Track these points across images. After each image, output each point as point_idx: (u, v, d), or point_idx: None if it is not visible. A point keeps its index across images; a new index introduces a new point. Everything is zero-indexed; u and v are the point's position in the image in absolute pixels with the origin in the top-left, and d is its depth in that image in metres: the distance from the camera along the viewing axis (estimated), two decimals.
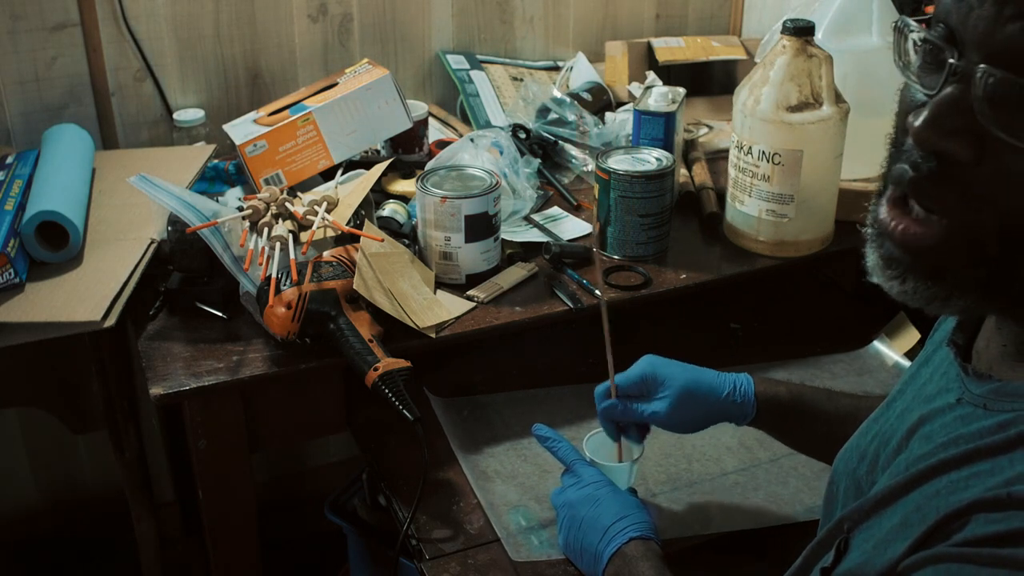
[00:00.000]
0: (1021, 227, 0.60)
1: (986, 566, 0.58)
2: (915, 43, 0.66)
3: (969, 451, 0.64)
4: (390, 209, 1.44)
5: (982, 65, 0.59)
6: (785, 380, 1.13)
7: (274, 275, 1.19)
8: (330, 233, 1.30)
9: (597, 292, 1.34)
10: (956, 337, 0.75)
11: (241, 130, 1.51)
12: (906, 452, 0.72)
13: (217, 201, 1.45)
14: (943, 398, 0.72)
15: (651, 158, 1.41)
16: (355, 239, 1.27)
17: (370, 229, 1.31)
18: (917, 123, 0.62)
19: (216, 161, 1.57)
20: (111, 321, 1.19)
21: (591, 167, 1.62)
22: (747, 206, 1.42)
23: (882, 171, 0.70)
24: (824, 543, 0.75)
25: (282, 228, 1.26)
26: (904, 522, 0.66)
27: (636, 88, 1.85)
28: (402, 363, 1.15)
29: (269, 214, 1.29)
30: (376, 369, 1.13)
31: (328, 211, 1.32)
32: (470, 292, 1.34)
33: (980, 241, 0.62)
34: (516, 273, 1.38)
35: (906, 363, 1.41)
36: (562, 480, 1.07)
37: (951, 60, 0.61)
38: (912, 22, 0.66)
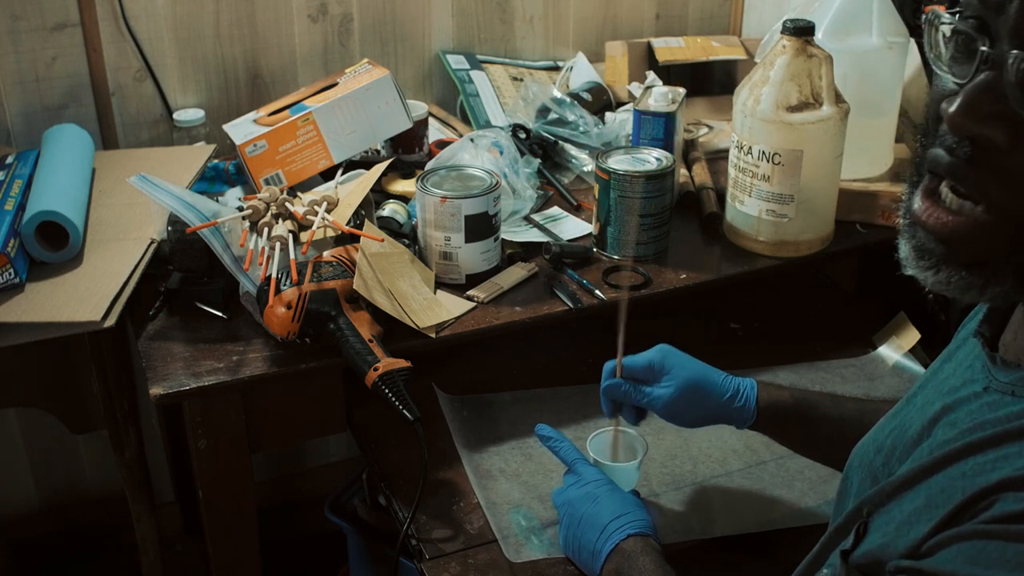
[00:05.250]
0: None
1: (1014, 542, 0.58)
2: (945, 35, 0.67)
3: (997, 434, 0.65)
4: (390, 209, 1.44)
5: (1014, 51, 0.60)
6: (789, 385, 1.14)
7: (274, 275, 1.19)
8: (330, 233, 1.30)
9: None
10: (983, 329, 0.75)
11: (241, 130, 1.51)
12: (929, 440, 0.73)
13: (217, 201, 1.45)
14: (968, 388, 0.72)
15: (651, 158, 1.41)
16: (355, 239, 1.27)
17: (370, 229, 1.31)
18: (952, 109, 0.63)
19: (216, 161, 1.57)
20: (111, 321, 1.19)
21: (591, 167, 1.62)
22: (747, 206, 1.42)
23: (915, 161, 0.71)
24: (843, 528, 0.75)
25: (282, 228, 1.26)
26: (928, 503, 0.66)
27: (636, 88, 1.85)
28: (402, 363, 1.15)
29: (269, 214, 1.29)
30: (376, 369, 1.13)
31: (328, 211, 1.32)
32: (470, 292, 1.34)
33: (1018, 225, 0.63)
34: (516, 273, 1.38)
35: (908, 363, 1.41)
36: (564, 480, 1.08)
37: (983, 48, 0.62)
38: (944, 14, 0.67)
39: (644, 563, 0.94)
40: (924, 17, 0.69)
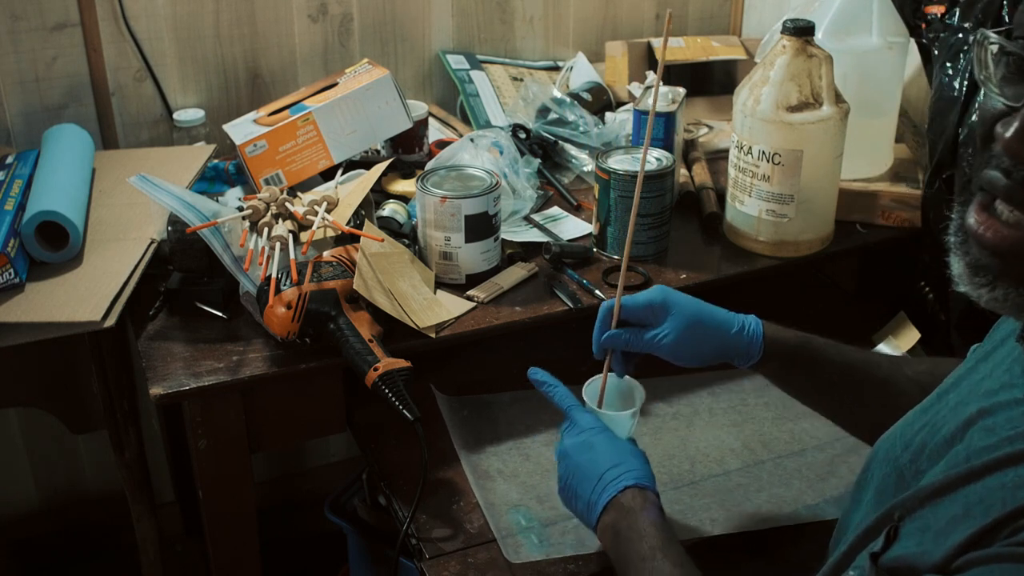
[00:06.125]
0: None
1: None
2: (993, 54, 0.67)
3: None
4: (390, 209, 1.44)
5: None
6: (792, 329, 1.12)
7: (274, 275, 1.19)
8: (330, 233, 1.31)
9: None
10: None
11: (241, 130, 1.51)
12: (963, 443, 0.72)
13: (217, 201, 1.45)
14: (1008, 393, 0.71)
15: (651, 158, 1.41)
16: (355, 239, 1.28)
17: (370, 229, 1.31)
18: (1008, 134, 0.63)
19: (216, 161, 1.57)
20: (111, 321, 1.19)
21: (591, 167, 1.62)
22: (747, 206, 1.42)
23: (965, 180, 0.71)
24: (872, 530, 0.75)
25: (282, 228, 1.26)
26: (967, 512, 0.66)
27: (636, 88, 1.85)
28: (402, 363, 1.15)
29: (269, 214, 1.29)
30: (376, 369, 1.13)
31: (328, 211, 1.32)
32: (470, 292, 1.34)
33: None
34: (516, 273, 1.38)
35: None
36: (560, 429, 1.04)
37: None
38: (991, 34, 0.67)
39: (643, 525, 0.91)
40: (972, 38, 0.68)
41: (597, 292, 1.34)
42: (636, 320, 1.09)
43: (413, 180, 1.51)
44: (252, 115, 1.57)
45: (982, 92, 0.70)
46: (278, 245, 1.23)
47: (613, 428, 1.03)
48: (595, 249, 1.44)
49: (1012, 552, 0.60)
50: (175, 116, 1.66)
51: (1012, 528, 0.62)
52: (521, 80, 1.88)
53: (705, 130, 1.81)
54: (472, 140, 1.52)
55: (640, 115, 1.50)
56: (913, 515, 0.71)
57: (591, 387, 1.09)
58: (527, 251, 1.43)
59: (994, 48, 0.66)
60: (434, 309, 1.28)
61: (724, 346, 1.07)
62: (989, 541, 0.63)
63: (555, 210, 1.56)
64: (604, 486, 0.95)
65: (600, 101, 1.80)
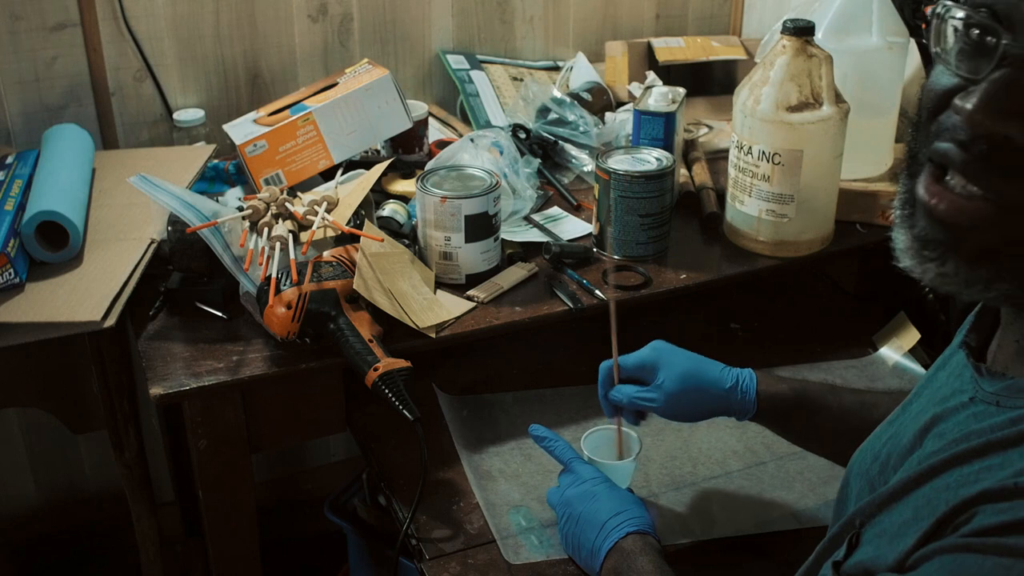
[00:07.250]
0: None
1: (992, 555, 0.58)
2: (955, 28, 0.64)
3: (980, 445, 0.64)
4: (390, 209, 1.44)
5: None
6: (788, 376, 1.13)
7: (274, 275, 1.19)
8: (330, 233, 1.31)
9: (599, 293, 1.34)
10: (969, 339, 0.75)
11: (241, 130, 1.51)
12: (919, 450, 0.73)
13: (217, 201, 1.45)
14: (957, 398, 0.72)
15: (651, 158, 1.41)
16: (355, 239, 1.28)
17: (370, 229, 1.31)
18: (970, 105, 0.61)
19: (216, 161, 1.57)
20: (111, 321, 1.19)
21: (591, 167, 1.62)
22: (747, 206, 1.42)
23: (910, 154, 0.69)
24: (836, 539, 0.75)
25: (282, 228, 1.26)
26: (915, 515, 0.66)
27: (636, 88, 1.85)
28: (402, 363, 1.15)
29: (269, 214, 1.29)
30: (376, 369, 1.13)
31: (328, 211, 1.32)
32: (470, 292, 1.34)
33: None
34: (516, 273, 1.38)
35: (908, 364, 1.41)
36: (559, 480, 1.07)
37: (1004, 42, 0.60)
38: (955, 6, 0.64)
39: (643, 564, 0.93)
40: (932, 9, 0.66)
41: (597, 292, 1.34)
42: (634, 378, 1.11)
43: (413, 180, 1.51)
44: (252, 115, 1.57)
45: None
46: (278, 245, 1.23)
47: (612, 477, 1.06)
48: (595, 249, 1.44)
49: (955, 543, 0.61)
50: (175, 116, 1.66)
51: (954, 524, 0.62)
52: (521, 80, 1.88)
53: (705, 130, 1.81)
54: (472, 140, 1.52)
55: (640, 115, 1.50)
56: (871, 521, 0.71)
57: (589, 439, 1.12)
58: (527, 251, 1.43)
59: (957, 23, 0.64)
60: (434, 309, 1.28)
61: (718, 404, 1.09)
62: (935, 540, 0.63)
63: (555, 210, 1.56)
64: (607, 533, 0.97)
65: (600, 101, 1.80)
